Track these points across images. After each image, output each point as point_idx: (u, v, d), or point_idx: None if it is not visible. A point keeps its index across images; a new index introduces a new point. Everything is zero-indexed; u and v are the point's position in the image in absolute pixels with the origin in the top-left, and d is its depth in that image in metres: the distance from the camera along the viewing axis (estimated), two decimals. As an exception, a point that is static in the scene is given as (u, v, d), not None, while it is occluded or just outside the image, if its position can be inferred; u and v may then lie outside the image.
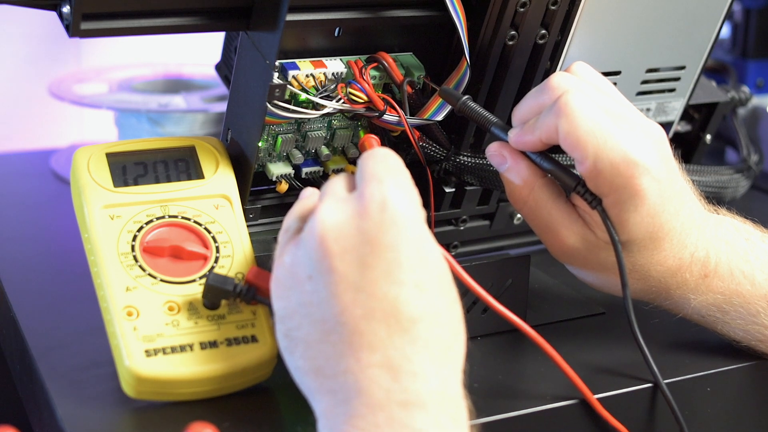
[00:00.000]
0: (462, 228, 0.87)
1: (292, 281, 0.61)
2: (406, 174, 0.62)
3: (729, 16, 0.88)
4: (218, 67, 0.96)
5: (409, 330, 0.58)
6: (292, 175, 0.77)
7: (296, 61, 0.73)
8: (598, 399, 0.70)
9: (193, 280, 0.69)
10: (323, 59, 0.74)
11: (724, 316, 0.74)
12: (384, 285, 0.58)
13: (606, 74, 0.74)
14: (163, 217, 0.71)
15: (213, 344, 0.67)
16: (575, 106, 0.68)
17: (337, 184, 0.64)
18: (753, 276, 0.73)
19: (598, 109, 0.69)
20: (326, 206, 0.61)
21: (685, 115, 0.96)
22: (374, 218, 0.59)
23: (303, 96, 0.73)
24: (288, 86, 0.72)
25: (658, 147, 0.70)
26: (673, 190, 0.70)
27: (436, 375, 0.58)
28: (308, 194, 0.67)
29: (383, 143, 0.79)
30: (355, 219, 0.59)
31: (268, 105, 0.71)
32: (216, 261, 0.70)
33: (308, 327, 0.60)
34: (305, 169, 0.77)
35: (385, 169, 0.61)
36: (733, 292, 0.73)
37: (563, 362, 0.69)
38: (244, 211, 0.74)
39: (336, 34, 0.75)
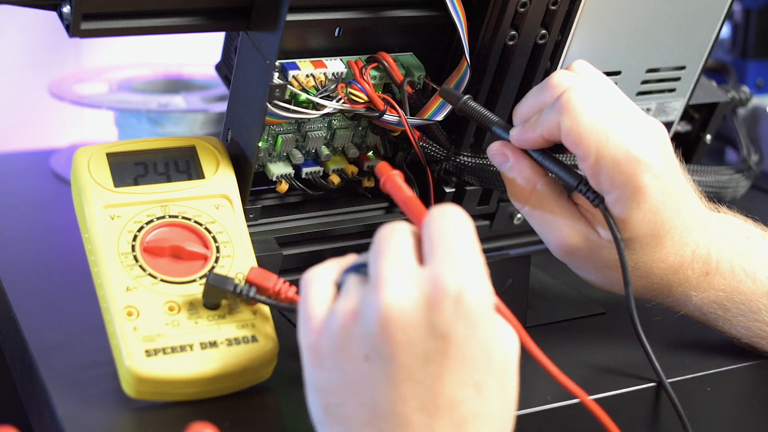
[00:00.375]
0: (462, 228, 0.87)
1: (343, 356, 0.57)
2: (479, 248, 0.57)
3: (729, 16, 0.88)
4: (218, 67, 0.96)
5: (460, 428, 0.56)
6: (292, 175, 0.77)
7: (296, 61, 0.73)
8: (598, 399, 0.69)
9: (194, 280, 0.69)
10: (323, 59, 0.74)
11: (726, 314, 0.73)
12: (444, 382, 0.56)
13: (606, 74, 0.74)
14: (163, 217, 0.71)
15: (213, 344, 0.67)
16: (577, 103, 0.68)
17: (401, 246, 0.58)
18: (754, 274, 0.73)
19: (600, 107, 0.69)
20: (391, 281, 0.56)
21: (685, 115, 0.96)
22: (446, 312, 0.55)
23: (303, 96, 0.73)
24: (288, 86, 0.72)
25: (659, 145, 0.70)
26: (674, 187, 0.70)
27: None
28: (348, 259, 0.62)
29: (384, 143, 0.79)
30: (425, 310, 0.55)
31: (268, 105, 0.71)
32: (216, 261, 0.70)
33: (354, 407, 0.56)
34: (305, 169, 0.77)
35: (461, 247, 0.57)
36: (734, 290, 0.73)
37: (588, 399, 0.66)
38: (245, 211, 0.74)
39: (336, 34, 0.75)
